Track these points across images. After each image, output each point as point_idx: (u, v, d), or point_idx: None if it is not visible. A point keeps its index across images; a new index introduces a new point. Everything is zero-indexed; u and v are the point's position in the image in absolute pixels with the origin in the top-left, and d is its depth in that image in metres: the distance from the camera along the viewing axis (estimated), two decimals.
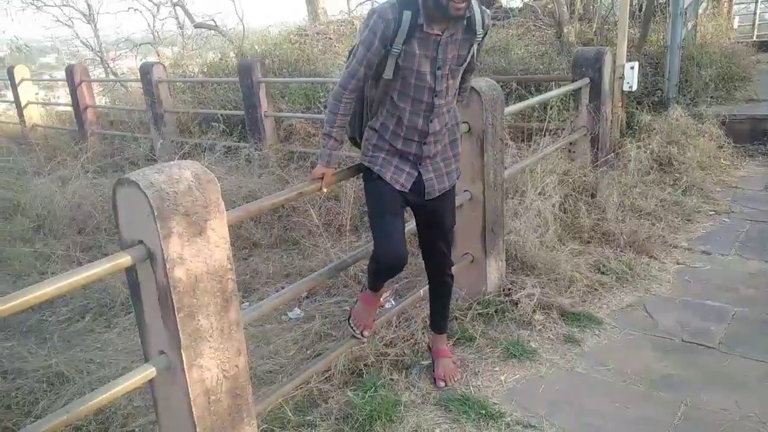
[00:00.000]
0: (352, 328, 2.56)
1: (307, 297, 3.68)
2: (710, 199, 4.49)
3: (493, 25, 8.24)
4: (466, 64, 2.26)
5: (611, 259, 3.46)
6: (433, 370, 2.63)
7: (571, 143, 4.46)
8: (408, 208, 2.50)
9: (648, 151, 4.70)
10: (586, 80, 4.34)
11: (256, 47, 9.41)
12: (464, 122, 3.06)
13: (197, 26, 11.26)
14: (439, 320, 2.69)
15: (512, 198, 3.89)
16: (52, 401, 2.58)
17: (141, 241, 1.67)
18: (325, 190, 2.31)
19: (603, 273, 3.35)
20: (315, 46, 8.82)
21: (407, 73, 2.16)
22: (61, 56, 17.24)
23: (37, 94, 11.55)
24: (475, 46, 2.23)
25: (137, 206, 1.64)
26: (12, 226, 5.22)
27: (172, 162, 1.75)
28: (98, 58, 12.14)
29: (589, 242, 3.75)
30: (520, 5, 9.16)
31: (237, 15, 10.84)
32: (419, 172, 2.34)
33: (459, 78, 2.30)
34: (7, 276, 4.42)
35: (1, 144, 8.66)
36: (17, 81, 9.15)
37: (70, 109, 8.87)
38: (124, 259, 1.64)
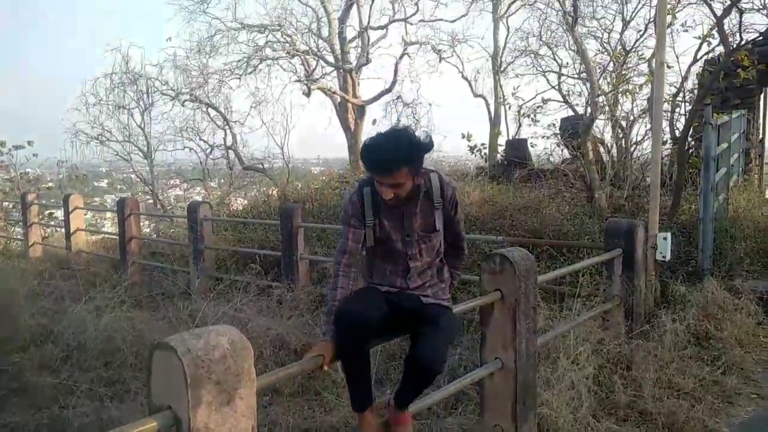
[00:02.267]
0: None
1: None
2: (751, 380, 4.28)
3: (524, 186, 8.56)
4: (439, 230, 2.50)
5: None
6: None
7: (604, 311, 4.41)
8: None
9: (684, 325, 4.60)
10: (619, 251, 4.40)
11: (298, 186, 9.91)
12: (497, 290, 3.11)
13: (246, 168, 11.97)
14: (405, 398, 2.46)
15: (544, 365, 3.80)
16: None
17: (170, 407, 1.68)
18: (326, 368, 2.29)
19: None
20: None
21: (384, 240, 2.48)
22: (114, 182, 18.29)
23: (86, 214, 12.21)
24: (440, 212, 2.48)
25: (172, 371, 1.67)
26: (41, 354, 5.26)
27: (211, 327, 1.80)
28: (149, 190, 12.84)
29: (625, 420, 3.57)
30: (552, 168, 9.54)
31: (284, 159, 11.51)
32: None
33: (436, 240, 2.52)
34: (30, 406, 4.38)
35: (45, 268, 8.97)
36: (71, 209, 9.69)
37: (115, 237, 9.27)
38: (150, 426, 1.64)
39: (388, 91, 11.80)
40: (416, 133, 2.37)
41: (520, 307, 3.07)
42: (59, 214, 10.84)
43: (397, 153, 2.27)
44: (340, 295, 2.40)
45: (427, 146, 2.36)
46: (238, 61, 11.69)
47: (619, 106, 9.40)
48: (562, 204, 7.72)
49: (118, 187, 17.42)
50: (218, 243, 7.87)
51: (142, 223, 12.49)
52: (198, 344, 1.70)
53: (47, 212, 12.12)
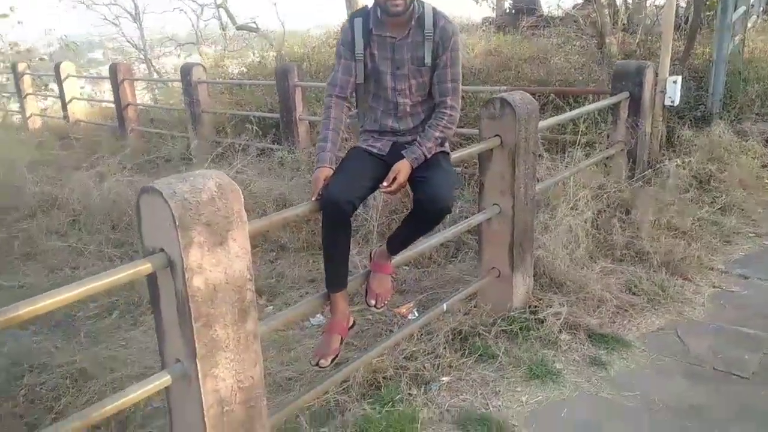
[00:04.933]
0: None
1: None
2: (751, 220, 4.32)
3: (532, 34, 8.12)
4: (428, 69, 2.34)
5: (643, 280, 3.35)
6: (367, 285, 2.49)
7: (607, 158, 4.35)
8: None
9: (687, 168, 4.56)
10: (626, 94, 4.23)
11: (296, 49, 9.49)
12: (496, 135, 3.02)
13: (239, 28, 11.43)
14: (397, 243, 2.47)
15: (543, 212, 3.82)
16: (74, 397, 2.62)
17: (162, 249, 1.68)
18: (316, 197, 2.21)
19: (634, 294, 3.25)
20: None
21: (373, 75, 2.37)
22: (108, 52, 17.69)
23: (82, 88, 11.89)
24: (430, 45, 2.30)
25: (160, 215, 1.65)
26: (49, 219, 5.35)
27: (197, 171, 1.76)
28: (142, 56, 12.38)
29: (621, 260, 3.65)
30: (562, 14, 9.01)
31: (278, 18, 10.92)
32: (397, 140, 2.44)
33: (427, 77, 2.36)
34: (43, 268, 4.53)
35: (45, 138, 8.90)
36: (63, 77, 9.41)
37: (113, 106, 9.09)
38: (145, 267, 1.66)
39: None
40: None
41: (520, 153, 3.01)
42: (55, 86, 10.57)
43: None
44: (333, 125, 2.34)
45: None
46: None
47: None
48: (570, 52, 7.37)
49: (112, 58, 16.79)
50: (215, 107, 7.70)
51: (140, 93, 12.24)
52: (184, 187, 1.66)
53: (43, 85, 11.79)
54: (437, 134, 2.39)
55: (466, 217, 4.26)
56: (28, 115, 10.45)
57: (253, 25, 11.07)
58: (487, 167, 3.11)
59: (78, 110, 9.76)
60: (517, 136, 2.98)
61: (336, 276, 2.34)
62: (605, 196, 4.07)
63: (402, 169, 2.27)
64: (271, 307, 3.74)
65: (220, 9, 11.54)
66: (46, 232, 5.13)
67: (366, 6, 2.39)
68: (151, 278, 1.75)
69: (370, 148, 2.44)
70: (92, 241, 4.83)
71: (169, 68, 14.22)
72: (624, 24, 8.18)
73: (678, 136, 5.05)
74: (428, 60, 2.35)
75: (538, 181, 4.17)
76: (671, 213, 4.04)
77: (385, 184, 2.26)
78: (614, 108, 4.32)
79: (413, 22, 2.31)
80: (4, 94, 12.15)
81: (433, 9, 2.35)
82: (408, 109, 2.42)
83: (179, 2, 12.50)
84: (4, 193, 6.29)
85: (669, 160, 4.61)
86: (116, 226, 5.22)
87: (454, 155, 2.81)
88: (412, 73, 2.36)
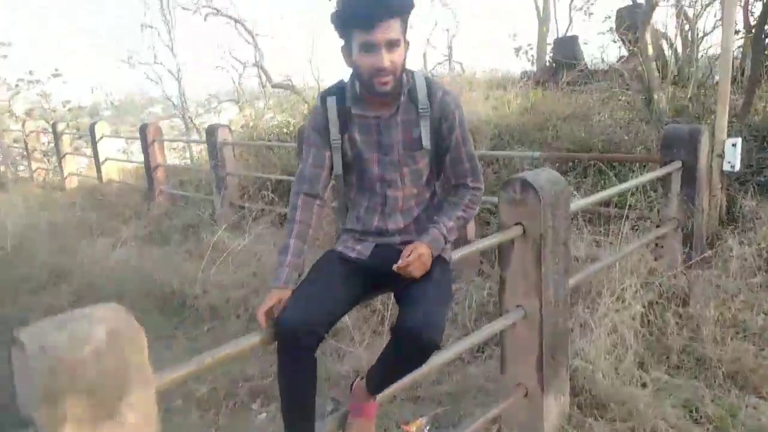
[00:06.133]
0: None
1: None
2: None
3: (572, 90, 7.63)
4: (425, 153, 1.90)
5: (707, 399, 2.71)
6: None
7: (658, 237, 3.76)
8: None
9: (753, 247, 3.90)
10: (678, 164, 3.66)
11: None
12: (517, 223, 2.52)
13: (275, 86, 11.39)
14: (378, 380, 1.91)
15: (582, 303, 3.25)
16: None
17: (33, 422, 1.24)
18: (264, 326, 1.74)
19: (696, 421, 2.61)
20: None
21: (356, 164, 1.93)
22: (169, 108, 18.13)
23: (124, 148, 12.00)
24: (426, 122, 1.86)
25: (25, 377, 1.21)
26: (53, 295, 5.08)
27: (85, 310, 1.32)
28: (180, 115, 12.51)
29: (679, 368, 3.01)
30: (605, 68, 8.51)
31: (312, 75, 10.84)
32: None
33: (423, 164, 1.92)
34: None
35: (73, 199, 8.86)
36: (98, 137, 9.44)
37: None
38: None
39: None
40: None
41: (547, 244, 2.49)
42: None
43: None
44: (297, 231, 1.89)
45: (413, 2, 1.81)
46: None
47: None
48: (615, 109, 6.83)
49: (154, 114, 17.15)
50: (240, 168, 7.46)
51: (178, 153, 12.27)
52: (59, 338, 1.23)
53: (84, 143, 11.98)
54: (459, 213, 1.95)
55: (495, 303, 3.72)
56: (65, 174, 10.54)
57: (289, 83, 10.98)
58: (508, 261, 2.59)
59: (112, 170, 9.74)
60: (543, 224, 2.47)
61: (295, 427, 1.80)
62: (657, 284, 3.46)
63: (418, 248, 1.79)
64: (265, 414, 3.25)
65: (258, 67, 11.54)
66: (46, 312, 4.84)
67: (341, 80, 1.94)
68: None
69: (346, 252, 1.96)
70: None
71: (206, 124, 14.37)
72: (674, 76, 7.61)
73: (740, 207, 4.40)
74: (426, 142, 1.88)
75: (576, 263, 3.63)
76: (737, 305, 3.38)
77: (401, 263, 1.77)
78: (664, 179, 3.75)
79: (403, 97, 1.86)
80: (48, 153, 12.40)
81: (427, 79, 1.90)
82: (399, 204, 1.94)
83: (222, 61, 12.59)
84: (19, 262, 6.13)
85: (731, 237, 3.97)
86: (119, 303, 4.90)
87: (465, 250, 2.33)
88: (404, 160, 1.90)
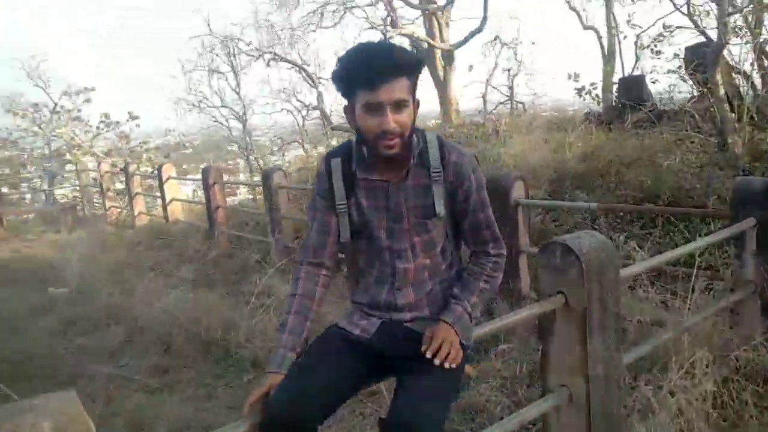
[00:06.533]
0: None
1: None
2: None
3: (637, 134, 7.22)
4: (439, 215, 1.73)
5: None
6: None
7: (733, 303, 3.37)
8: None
9: None
10: (752, 221, 3.30)
11: None
12: (559, 292, 2.29)
13: (334, 128, 11.54)
14: None
15: (643, 378, 2.92)
16: None
17: None
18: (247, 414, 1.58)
19: None
20: None
21: (363, 231, 1.78)
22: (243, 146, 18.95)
23: (194, 190, 12.43)
24: (440, 188, 1.72)
25: None
26: (107, 337, 5.18)
27: (35, 401, 1.21)
28: (245, 156, 12.88)
29: None
30: (676, 108, 8.05)
31: None
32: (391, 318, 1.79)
33: (437, 232, 1.77)
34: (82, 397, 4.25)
35: (140, 238, 9.17)
36: (164, 178, 9.79)
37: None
38: None
39: (478, 31, 10.62)
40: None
41: (593, 318, 2.24)
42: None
43: (394, 53, 1.60)
44: (297, 305, 1.75)
45: (422, 61, 1.70)
46: (314, 11, 11.06)
47: (763, 27, 7.63)
48: (686, 153, 6.38)
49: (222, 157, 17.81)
50: (294, 212, 7.49)
51: (243, 195, 12.59)
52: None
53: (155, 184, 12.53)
54: (482, 285, 1.78)
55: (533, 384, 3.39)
56: (136, 213, 10.98)
57: (347, 125, 11.11)
58: (550, 333, 2.35)
59: (177, 210, 10.06)
60: (589, 295, 2.22)
61: None
62: (732, 357, 3.08)
63: (440, 331, 1.64)
64: None
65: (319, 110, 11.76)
66: (98, 353, 4.92)
67: (348, 140, 1.82)
68: None
69: (349, 329, 1.79)
70: (137, 369, 4.53)
71: (272, 165, 14.76)
72: (752, 117, 7.09)
73: None
74: (440, 210, 1.73)
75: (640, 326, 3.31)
76: None
77: (429, 352, 1.62)
78: (738, 238, 3.38)
79: (413, 160, 1.72)
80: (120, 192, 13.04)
81: (439, 139, 1.75)
82: (410, 276, 1.78)
83: (287, 104, 12.94)
84: (81, 301, 6.32)
85: None
86: (168, 349, 4.91)
87: (494, 325, 2.12)
88: (416, 228, 1.75)
